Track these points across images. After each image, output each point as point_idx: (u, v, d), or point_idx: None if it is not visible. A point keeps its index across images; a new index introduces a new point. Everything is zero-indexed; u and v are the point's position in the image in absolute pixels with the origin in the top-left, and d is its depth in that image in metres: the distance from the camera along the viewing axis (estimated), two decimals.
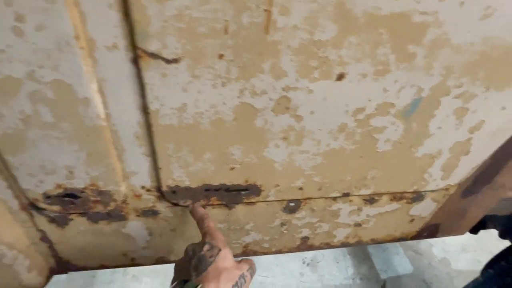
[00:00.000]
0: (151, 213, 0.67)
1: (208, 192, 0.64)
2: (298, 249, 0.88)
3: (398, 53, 0.48)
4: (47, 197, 0.58)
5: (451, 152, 0.67)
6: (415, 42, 0.47)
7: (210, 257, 0.53)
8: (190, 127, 0.52)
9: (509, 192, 0.90)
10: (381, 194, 0.75)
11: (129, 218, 0.67)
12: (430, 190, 0.77)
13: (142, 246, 0.75)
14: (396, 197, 0.77)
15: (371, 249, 1.97)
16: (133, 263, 0.79)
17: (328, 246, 0.89)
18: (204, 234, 0.59)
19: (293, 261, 1.83)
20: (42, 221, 0.64)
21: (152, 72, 0.44)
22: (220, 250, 0.54)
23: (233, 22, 0.41)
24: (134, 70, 0.45)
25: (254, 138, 0.56)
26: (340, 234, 0.86)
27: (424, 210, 0.84)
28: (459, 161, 0.70)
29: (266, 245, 0.84)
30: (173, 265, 0.63)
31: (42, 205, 0.59)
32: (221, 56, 0.44)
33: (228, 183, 0.63)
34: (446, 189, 0.78)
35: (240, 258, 0.58)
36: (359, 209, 0.79)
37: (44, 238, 0.68)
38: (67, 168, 0.54)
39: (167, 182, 0.60)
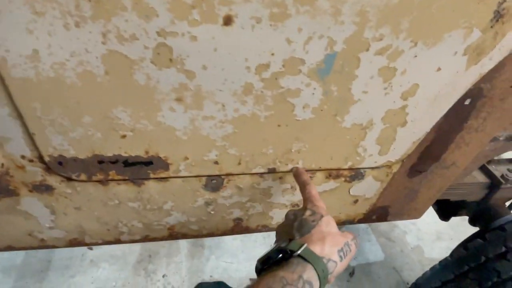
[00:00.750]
0: (44, 188, 0.59)
1: (103, 164, 0.56)
2: (233, 231, 0.81)
3: None
4: None
5: (384, 123, 0.59)
6: None
7: (313, 221, 0.51)
8: (54, 82, 0.43)
9: (464, 172, 0.83)
10: (314, 171, 0.68)
11: (21, 194, 0.59)
12: (370, 168, 0.69)
13: (47, 226, 0.67)
14: (332, 174, 0.70)
15: None
16: (44, 244, 0.72)
17: (267, 228, 0.82)
18: (306, 200, 0.57)
19: (260, 247, 1.77)
20: None
21: None
22: (322, 216, 0.52)
23: None
24: None
25: (140, 98, 0.48)
26: (278, 216, 0.79)
27: (367, 190, 0.76)
28: (395, 133, 0.62)
29: (194, 227, 0.76)
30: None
31: None
32: None
33: (124, 154, 0.55)
34: (388, 166, 0.71)
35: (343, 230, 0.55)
36: (293, 188, 0.71)
37: None
38: None
39: (48, 150, 0.52)
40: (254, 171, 0.64)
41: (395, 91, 0.54)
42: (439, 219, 1.41)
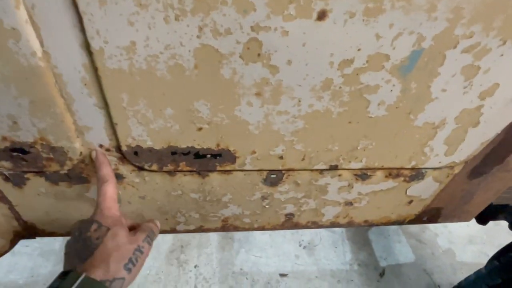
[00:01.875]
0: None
1: (175, 155, 0.57)
2: (283, 226, 0.81)
3: None
4: None
5: (457, 122, 0.58)
6: None
7: (97, 238, 0.46)
8: (145, 74, 0.45)
9: None
10: (374, 169, 0.67)
11: (92, 181, 0.62)
12: (432, 168, 0.68)
13: None
14: (392, 173, 0.69)
15: (371, 235, 1.90)
16: None
17: (316, 225, 0.82)
18: (96, 206, 0.51)
19: (288, 243, 1.77)
20: None
21: None
22: (108, 229, 0.47)
23: None
24: None
25: (223, 92, 0.48)
26: (329, 213, 0.79)
27: (425, 191, 0.75)
28: (466, 134, 0.60)
29: (247, 220, 0.77)
30: None
31: None
32: None
33: (197, 147, 0.56)
34: (451, 167, 0.69)
35: (138, 224, 0.53)
36: (350, 186, 0.71)
37: (3, 198, 0.63)
38: (10, 117, 0.48)
39: (127, 141, 0.53)
40: (316, 167, 0.64)
41: (474, 90, 0.52)
42: (470, 222, 1.37)
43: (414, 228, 1.96)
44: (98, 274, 0.42)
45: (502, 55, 0.48)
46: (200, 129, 0.53)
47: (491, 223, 1.37)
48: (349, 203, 0.76)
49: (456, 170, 0.70)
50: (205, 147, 0.56)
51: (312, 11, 0.40)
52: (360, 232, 1.91)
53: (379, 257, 1.77)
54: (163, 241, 1.69)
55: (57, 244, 1.67)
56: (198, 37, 0.41)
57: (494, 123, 0.60)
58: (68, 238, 0.50)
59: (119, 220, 0.50)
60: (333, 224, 0.83)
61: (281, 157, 0.60)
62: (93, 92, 0.47)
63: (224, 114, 0.51)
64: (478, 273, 1.05)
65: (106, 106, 0.49)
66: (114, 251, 0.45)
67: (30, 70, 0.42)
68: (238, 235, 1.80)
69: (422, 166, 0.67)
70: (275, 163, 0.62)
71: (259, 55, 0.44)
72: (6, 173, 0.58)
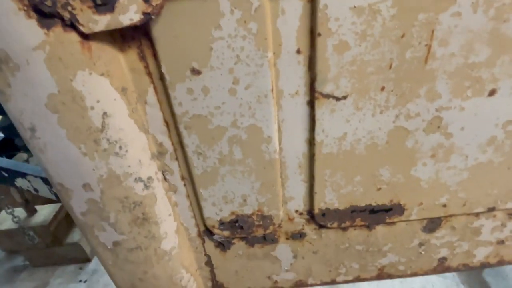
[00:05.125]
0: (299, 236, 0.74)
1: (354, 213, 0.69)
2: (434, 271, 0.86)
3: None
4: (221, 223, 0.68)
5: None
6: None
7: None
8: (347, 153, 0.59)
9: None
10: None
11: (279, 241, 0.75)
12: None
13: (285, 269, 0.81)
14: None
15: (488, 277, 1.76)
16: (275, 286, 0.86)
17: (467, 267, 0.86)
18: None
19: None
20: (210, 247, 0.75)
21: (323, 109, 0.53)
22: None
23: (396, 59, 0.49)
24: (307, 110, 0.54)
25: (404, 159, 0.61)
26: (480, 254, 0.82)
27: None
28: None
29: (401, 267, 0.84)
30: None
31: (216, 231, 0.70)
32: (382, 89, 0.52)
33: (373, 204, 0.68)
34: None
35: None
36: (503, 225, 0.76)
37: (208, 262, 0.78)
38: (243, 197, 0.64)
39: (319, 205, 0.67)
40: (475, 211, 0.71)
41: None
42: None
43: None
44: None
45: None
46: (379, 189, 0.65)
47: None
48: (501, 242, 0.80)
49: None
50: (380, 203, 0.68)
51: (484, 91, 0.53)
52: (474, 274, 1.79)
53: None
54: None
55: None
56: (393, 122, 0.55)
57: None
58: None
59: None
60: (483, 265, 0.86)
61: (444, 205, 0.69)
62: (303, 171, 0.62)
63: (401, 175, 0.63)
64: None
65: (311, 180, 0.63)
66: None
67: (269, 162, 0.59)
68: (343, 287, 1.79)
69: None
70: (438, 211, 0.70)
71: (438, 127, 0.57)
72: (220, 240, 0.74)
